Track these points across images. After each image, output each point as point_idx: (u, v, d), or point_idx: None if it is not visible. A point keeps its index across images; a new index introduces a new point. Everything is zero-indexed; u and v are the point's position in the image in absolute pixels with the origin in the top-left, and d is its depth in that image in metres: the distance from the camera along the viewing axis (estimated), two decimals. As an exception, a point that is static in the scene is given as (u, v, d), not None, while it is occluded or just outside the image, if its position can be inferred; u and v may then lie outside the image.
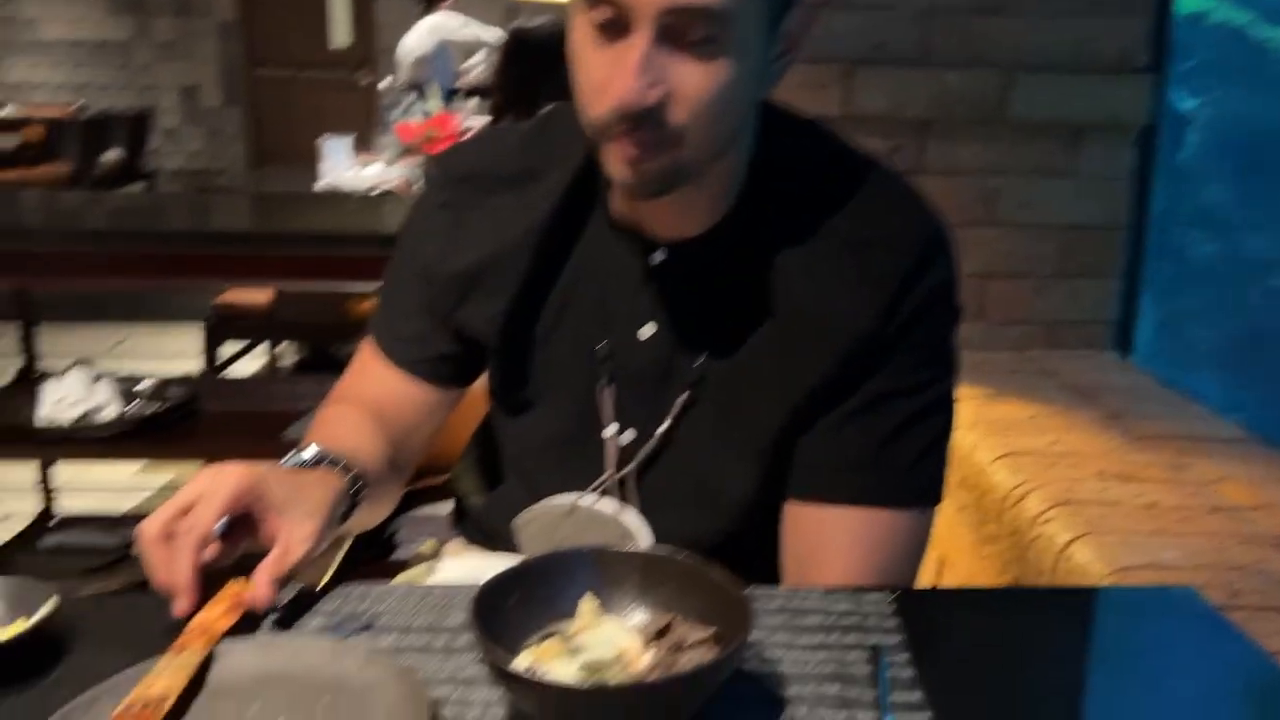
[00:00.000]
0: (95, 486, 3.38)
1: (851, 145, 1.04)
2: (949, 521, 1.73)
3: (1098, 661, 0.85)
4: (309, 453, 0.99)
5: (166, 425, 2.33)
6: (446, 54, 5.81)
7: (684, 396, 1.02)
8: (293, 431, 1.00)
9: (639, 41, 0.85)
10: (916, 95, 2.17)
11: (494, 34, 5.56)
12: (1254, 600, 1.26)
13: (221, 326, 3.62)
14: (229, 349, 3.95)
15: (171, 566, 0.82)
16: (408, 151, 4.22)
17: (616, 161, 0.91)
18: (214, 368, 3.69)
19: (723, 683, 0.73)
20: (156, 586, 0.83)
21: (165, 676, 0.73)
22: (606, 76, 0.88)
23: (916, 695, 0.77)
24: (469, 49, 5.89)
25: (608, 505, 1.04)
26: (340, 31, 8.46)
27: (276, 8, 8.55)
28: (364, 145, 4.41)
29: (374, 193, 3.74)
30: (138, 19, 8.51)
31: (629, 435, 1.05)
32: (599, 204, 1.04)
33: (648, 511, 1.05)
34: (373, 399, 1.13)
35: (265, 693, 0.76)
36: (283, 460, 0.99)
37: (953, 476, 1.01)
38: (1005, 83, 2.16)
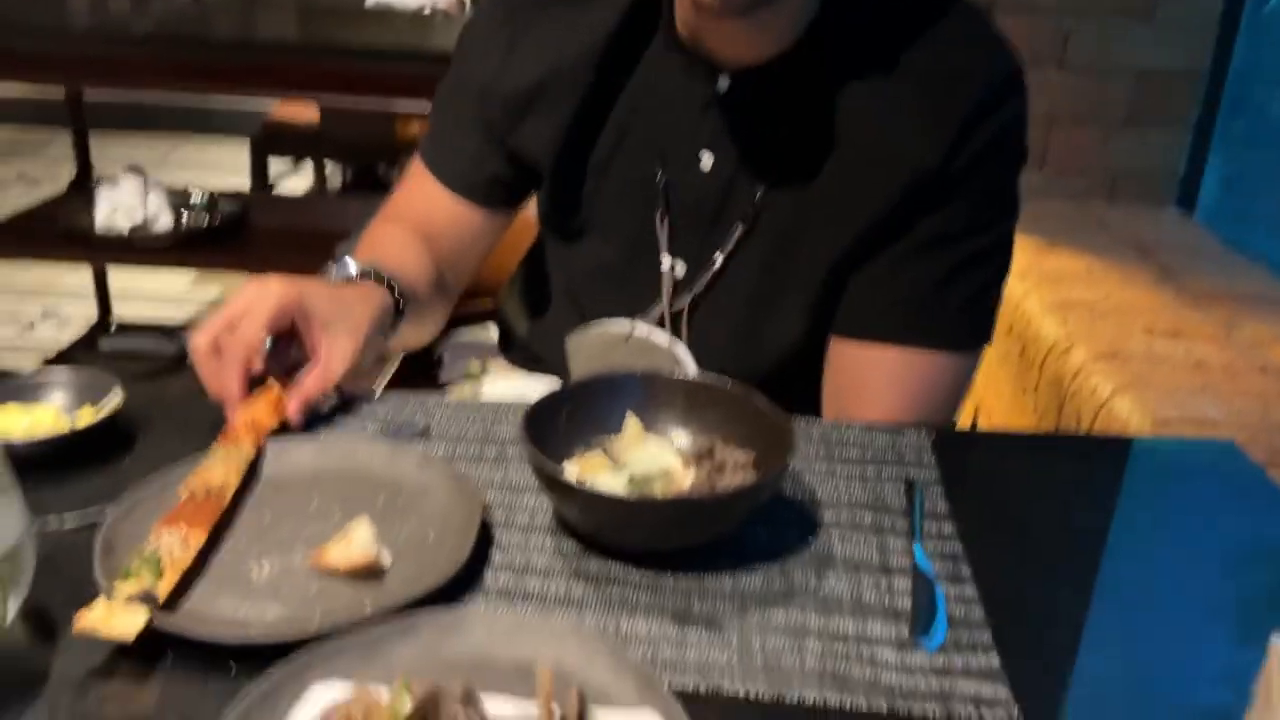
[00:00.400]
0: (149, 296, 3.46)
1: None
2: (989, 369, 1.74)
3: (1131, 509, 0.86)
4: (353, 268, 1.00)
5: (218, 238, 2.36)
6: None
7: (740, 229, 1.01)
8: (342, 249, 1.01)
9: None
10: (996, -74, 2.05)
11: None
12: (1293, 460, 1.26)
13: (269, 142, 3.60)
14: (276, 168, 3.95)
15: (221, 378, 0.85)
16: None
17: None
18: (263, 184, 3.70)
19: (762, 505, 0.75)
20: (210, 396, 0.86)
21: (221, 467, 0.77)
22: None
23: (949, 528, 0.79)
24: None
25: (661, 335, 1.05)
26: None
27: None
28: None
29: (425, 10, 3.64)
30: None
31: (681, 267, 1.05)
32: (661, 25, 1.01)
33: (694, 345, 1.06)
34: (421, 219, 1.13)
35: (323, 488, 0.79)
36: (328, 274, 1.00)
37: (999, 324, 1.01)
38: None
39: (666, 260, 1.04)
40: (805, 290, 1.01)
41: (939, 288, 0.98)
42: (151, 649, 0.61)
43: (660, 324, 1.06)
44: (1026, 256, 1.81)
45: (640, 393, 0.86)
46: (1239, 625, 0.72)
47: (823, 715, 0.60)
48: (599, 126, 1.04)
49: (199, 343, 0.86)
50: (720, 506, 0.73)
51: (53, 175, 4.44)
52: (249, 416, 0.84)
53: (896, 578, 0.73)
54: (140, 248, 2.32)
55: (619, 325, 1.07)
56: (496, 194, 1.13)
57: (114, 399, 0.86)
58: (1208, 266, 1.85)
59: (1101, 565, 0.78)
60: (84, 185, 2.70)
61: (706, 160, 1.01)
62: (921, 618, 0.68)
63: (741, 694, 0.62)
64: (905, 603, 0.70)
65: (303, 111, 3.49)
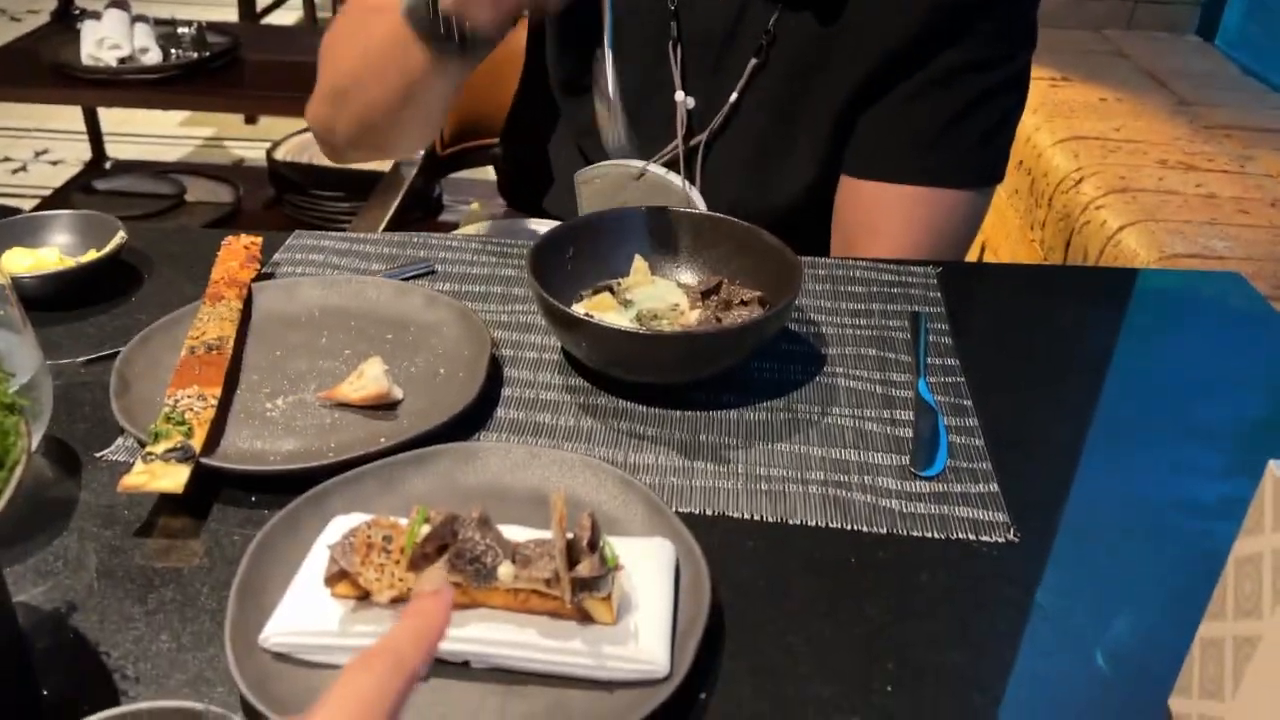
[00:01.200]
0: (141, 135, 3.39)
1: None
2: (997, 204, 1.71)
3: (1135, 339, 0.87)
4: None
5: (210, 72, 2.29)
6: None
7: (752, 63, 0.98)
8: None
9: None
10: None
11: None
12: (1299, 294, 1.26)
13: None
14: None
15: None
16: None
17: None
18: (251, 15, 3.57)
19: (768, 340, 0.76)
20: None
21: (213, 324, 0.76)
22: None
23: (953, 361, 0.80)
24: None
25: (674, 176, 1.02)
26: None
27: None
28: None
29: None
30: None
31: (692, 103, 1.02)
32: None
33: (706, 186, 1.04)
34: None
35: (331, 326, 0.80)
36: None
37: (1010, 156, 0.99)
38: None
39: (679, 96, 1.01)
40: (818, 129, 0.99)
41: (952, 124, 0.95)
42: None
43: (673, 166, 1.03)
44: (1040, 89, 1.76)
45: (646, 229, 0.85)
46: (1238, 452, 0.73)
47: (824, 537, 0.62)
48: None
49: None
50: (727, 340, 0.73)
51: (32, 8, 4.28)
52: (225, 273, 0.83)
53: (899, 410, 0.74)
54: (129, 82, 2.26)
55: (632, 163, 1.05)
56: None
57: (116, 239, 0.86)
58: (1225, 97, 1.80)
59: (1101, 395, 0.79)
60: (66, 16, 2.61)
61: None
62: (923, 448, 0.70)
63: (747, 517, 0.64)
64: (907, 433, 0.72)
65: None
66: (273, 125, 3.21)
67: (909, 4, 0.92)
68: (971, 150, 0.97)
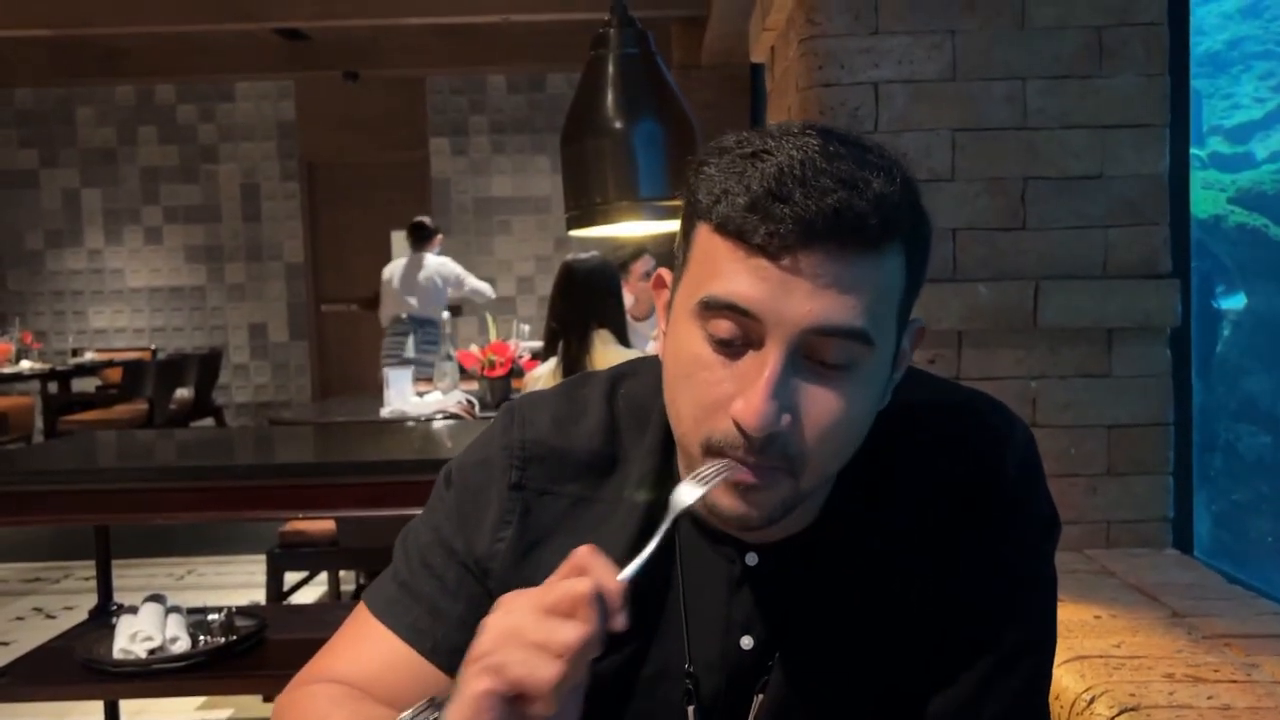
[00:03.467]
0: (159, 713, 3.38)
1: (925, 381, 0.98)
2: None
3: None
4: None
5: (237, 654, 2.37)
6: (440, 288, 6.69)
7: (759, 699, 0.93)
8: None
9: (772, 360, 0.78)
10: (949, 308, 2.27)
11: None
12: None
13: (285, 557, 3.69)
14: (291, 577, 4.01)
15: None
16: (465, 376, 4.43)
17: (724, 491, 0.82)
18: (278, 595, 3.74)
19: None
20: None
21: None
22: (728, 394, 0.80)
23: None
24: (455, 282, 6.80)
25: None
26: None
27: (341, 249, 9.13)
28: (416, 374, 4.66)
29: (439, 417, 3.90)
30: (211, 266, 9.11)
31: None
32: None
33: None
34: (369, 682, 0.97)
35: None
36: None
37: None
38: (1034, 291, 2.26)
39: None
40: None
41: (972, 705, 0.90)
42: None
43: None
44: (1034, 611, 1.82)
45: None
46: None
47: None
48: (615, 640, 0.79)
49: None
50: None
51: (68, 605, 4.49)
52: None
53: None
54: (157, 673, 2.32)
55: None
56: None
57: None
58: (1216, 606, 1.86)
59: None
60: (104, 614, 2.75)
61: (746, 641, 0.93)
62: None
63: None
64: None
65: (318, 523, 3.62)
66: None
67: (932, 602, 0.90)
68: (1007, 713, 0.91)
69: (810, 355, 0.79)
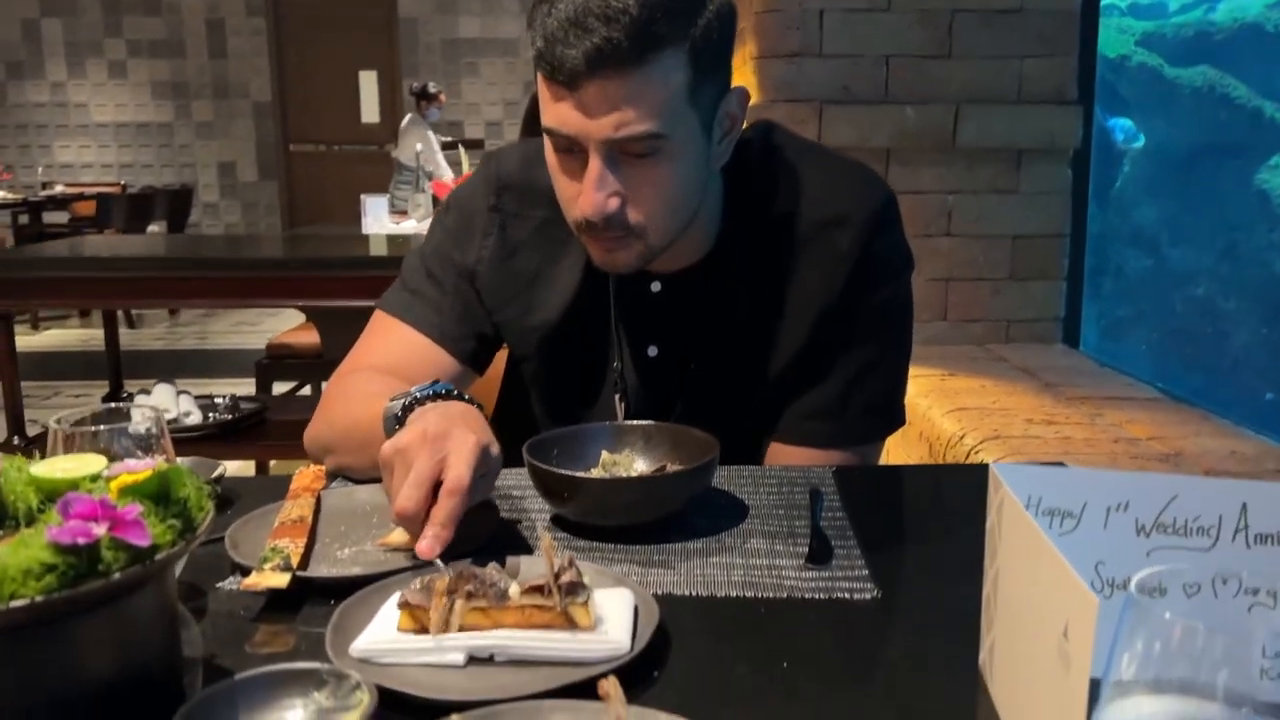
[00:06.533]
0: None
1: (793, 136, 1.23)
2: (904, 462, 2.02)
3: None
4: (432, 390, 1.03)
5: (241, 430, 2.68)
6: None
7: (680, 404, 1.23)
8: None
9: (593, 164, 1.03)
10: (880, 128, 2.53)
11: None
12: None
13: (273, 367, 3.97)
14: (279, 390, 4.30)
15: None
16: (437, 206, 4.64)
17: (594, 252, 1.11)
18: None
19: (699, 495, 1.04)
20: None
21: (295, 510, 1.05)
22: (573, 188, 1.06)
23: (842, 517, 1.07)
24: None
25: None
26: (369, 109, 9.00)
27: (309, 88, 9.09)
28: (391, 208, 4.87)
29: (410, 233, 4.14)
30: (178, 103, 9.06)
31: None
32: None
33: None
34: (397, 366, 1.21)
35: (380, 512, 1.09)
36: (389, 414, 1.04)
37: (910, 432, 1.31)
38: (955, 115, 2.53)
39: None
40: (738, 418, 1.21)
41: (844, 397, 1.19)
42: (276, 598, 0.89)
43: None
44: (932, 381, 2.15)
45: (610, 435, 1.16)
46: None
47: (740, 604, 0.88)
48: (570, 322, 1.22)
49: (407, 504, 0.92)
50: (669, 485, 1.03)
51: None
52: (301, 484, 1.12)
53: (800, 539, 1.01)
54: (174, 440, 2.62)
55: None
56: (474, 350, 1.27)
57: (216, 472, 1.16)
58: (1084, 380, 2.21)
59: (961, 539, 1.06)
60: (115, 399, 3.03)
61: (652, 350, 1.23)
62: (816, 551, 0.97)
63: (686, 594, 0.90)
64: (805, 547, 0.99)
65: (303, 335, 3.89)
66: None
67: (803, 318, 1.18)
68: (862, 416, 1.21)
69: (624, 151, 1.03)
